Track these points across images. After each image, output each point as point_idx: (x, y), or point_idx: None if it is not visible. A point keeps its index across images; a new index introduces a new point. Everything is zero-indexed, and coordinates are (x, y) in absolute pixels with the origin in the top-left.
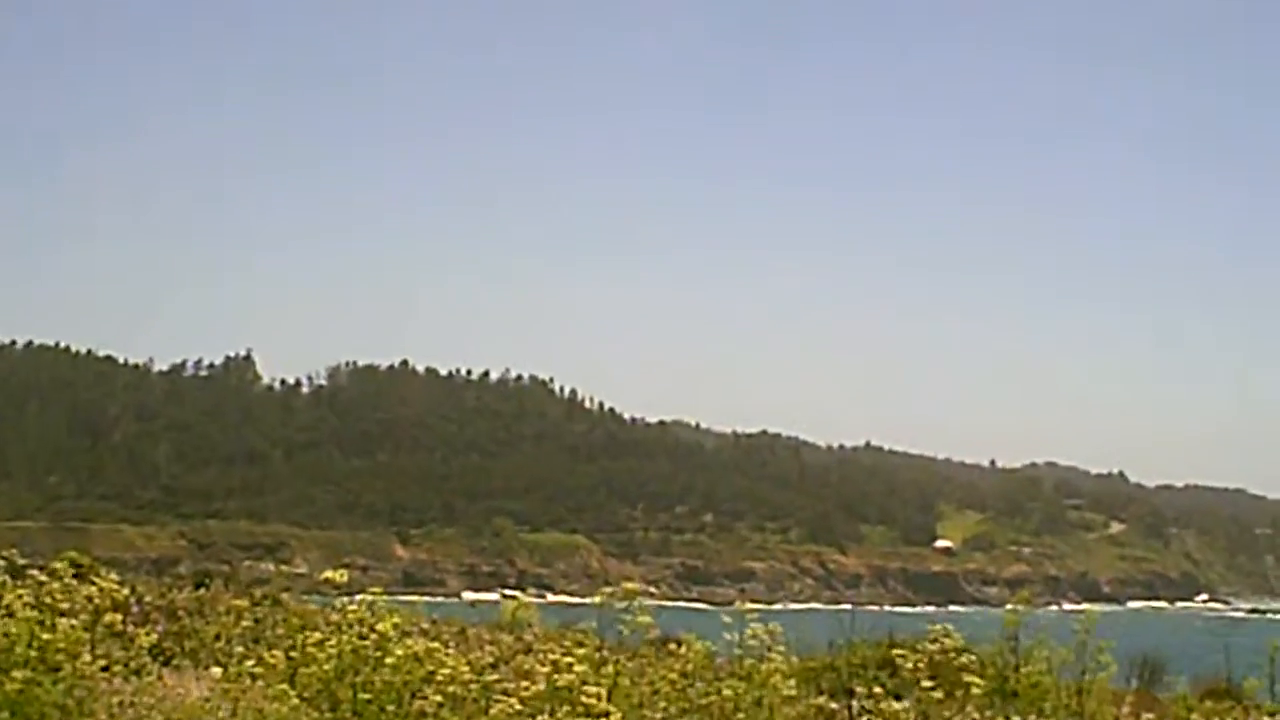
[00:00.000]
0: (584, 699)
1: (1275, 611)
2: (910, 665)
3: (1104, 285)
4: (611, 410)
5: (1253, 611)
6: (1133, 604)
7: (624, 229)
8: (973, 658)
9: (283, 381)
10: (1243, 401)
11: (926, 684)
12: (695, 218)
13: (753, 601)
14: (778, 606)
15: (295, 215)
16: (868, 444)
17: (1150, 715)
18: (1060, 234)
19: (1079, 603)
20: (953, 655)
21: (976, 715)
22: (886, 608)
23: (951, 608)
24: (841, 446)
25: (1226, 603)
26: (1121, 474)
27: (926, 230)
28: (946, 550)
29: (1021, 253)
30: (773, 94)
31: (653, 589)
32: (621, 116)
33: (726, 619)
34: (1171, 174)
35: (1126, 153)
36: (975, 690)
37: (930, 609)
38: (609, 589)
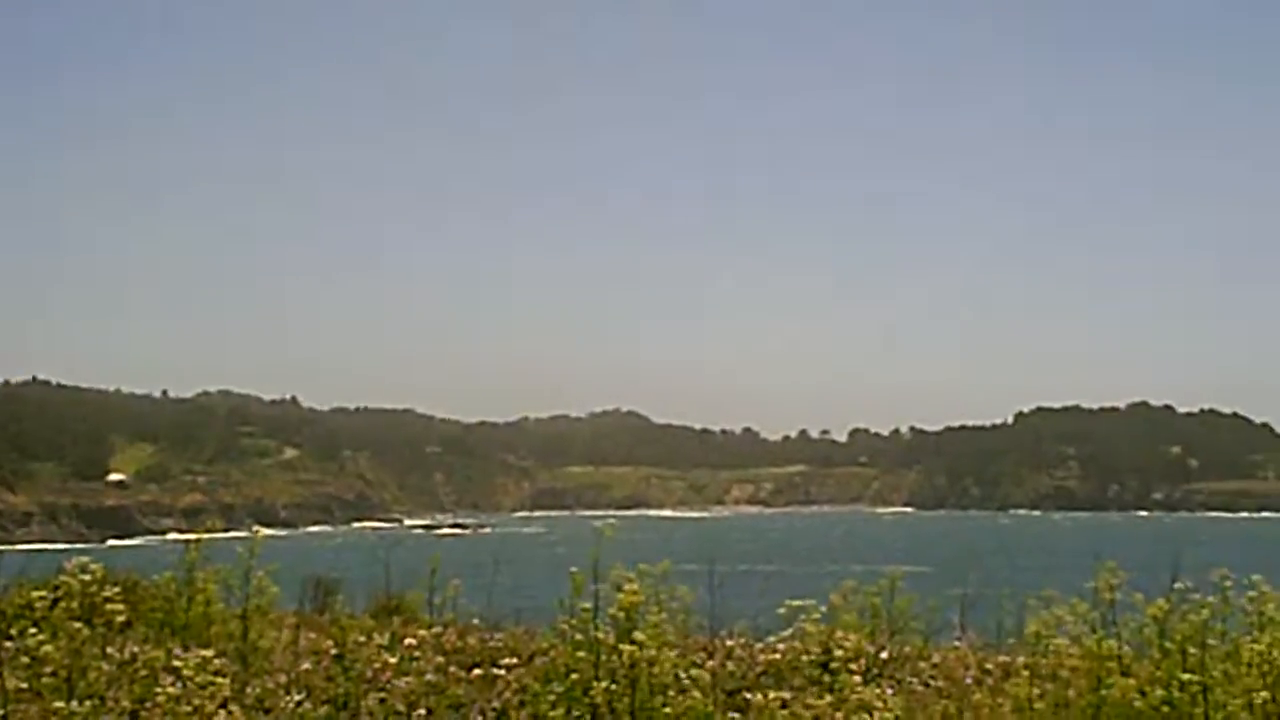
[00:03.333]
0: None
1: (447, 526)
2: (30, 602)
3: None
4: None
5: (426, 527)
6: (310, 528)
7: None
8: (116, 589)
9: None
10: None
11: (72, 623)
12: None
13: None
14: None
15: None
16: (34, 379)
17: (313, 635)
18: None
19: (255, 529)
20: (94, 588)
21: (136, 648)
22: (60, 545)
23: (127, 541)
24: (6, 383)
25: (400, 521)
26: (294, 399)
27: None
28: (119, 483)
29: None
30: None
31: None
32: None
33: None
34: None
35: None
36: (119, 619)
37: (104, 544)
38: None
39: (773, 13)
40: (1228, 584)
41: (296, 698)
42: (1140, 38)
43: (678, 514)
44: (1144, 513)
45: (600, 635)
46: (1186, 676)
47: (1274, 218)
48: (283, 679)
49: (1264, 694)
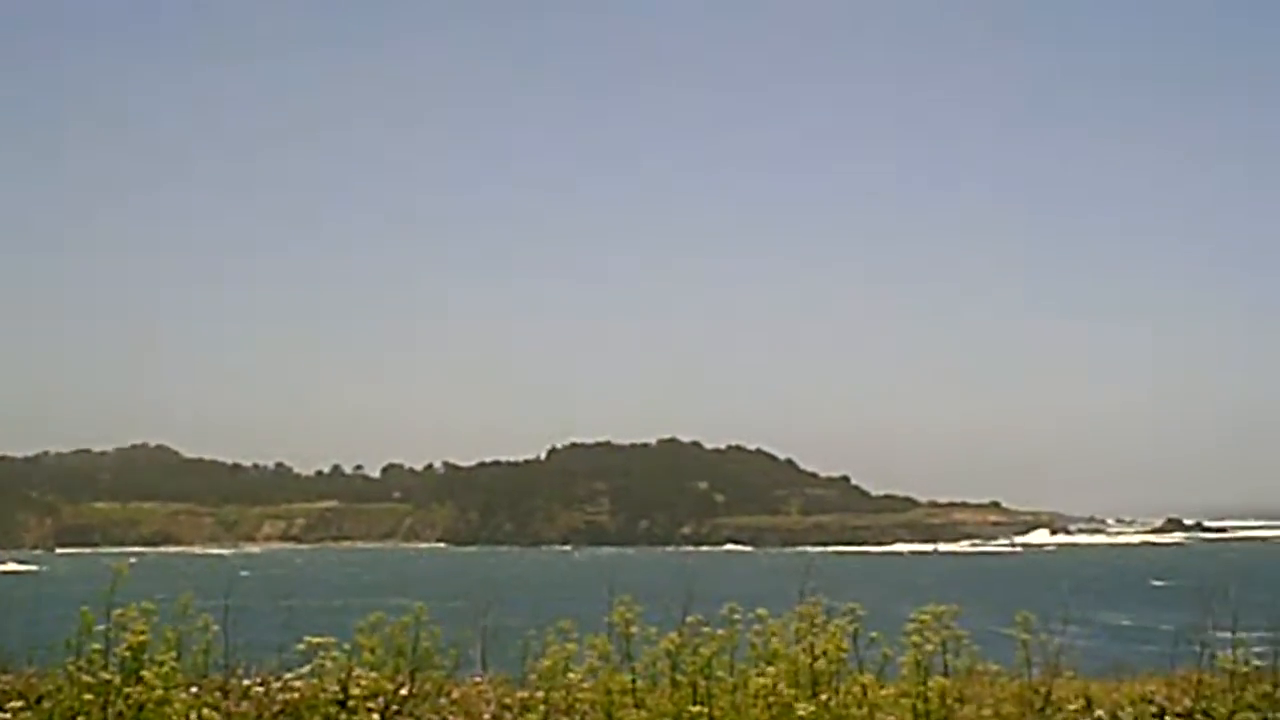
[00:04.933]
0: None
1: None
2: None
3: None
4: None
5: None
6: None
7: None
8: None
9: None
10: None
11: None
12: None
13: None
14: None
15: None
16: None
17: None
18: None
19: None
20: None
21: None
22: None
23: None
24: None
25: None
26: None
27: None
28: None
29: None
30: None
31: None
32: None
33: None
34: None
35: None
36: None
37: None
38: None
39: None
40: (736, 618)
41: None
42: None
43: (206, 550)
44: (671, 547)
45: (108, 676)
46: (695, 709)
47: (814, 259)
48: None
49: None
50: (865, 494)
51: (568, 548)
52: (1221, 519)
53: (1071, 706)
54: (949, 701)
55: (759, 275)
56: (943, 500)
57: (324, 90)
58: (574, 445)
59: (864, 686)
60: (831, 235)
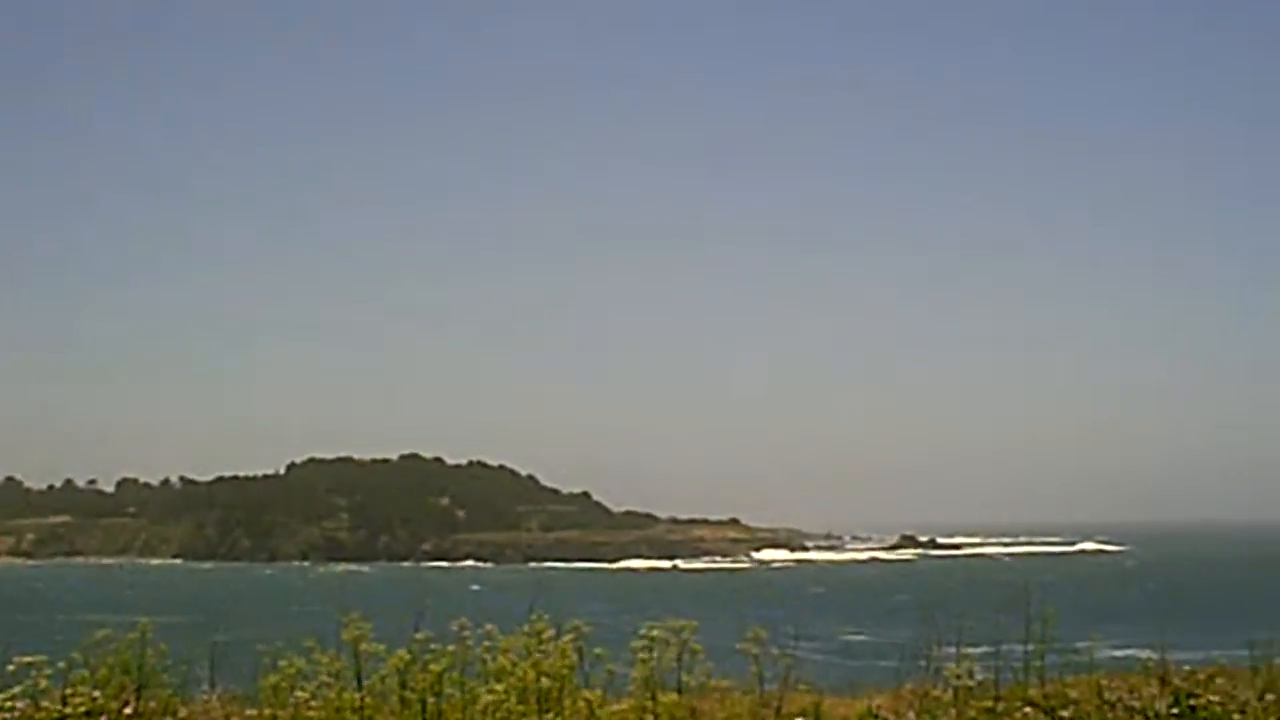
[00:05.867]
0: None
1: None
2: None
3: None
4: None
5: None
6: None
7: None
8: None
9: None
10: None
11: None
12: None
13: None
14: None
15: None
16: None
17: None
18: None
19: None
20: None
21: None
22: None
23: None
24: None
25: None
26: None
27: None
28: None
29: None
30: None
31: None
32: None
33: None
34: None
35: None
36: None
37: None
38: None
39: None
40: (466, 634)
41: None
42: None
43: None
44: (411, 563)
45: None
46: None
47: (556, 271)
48: None
49: None
50: (606, 510)
51: (306, 563)
52: (954, 536)
53: None
54: (679, 717)
55: (500, 289)
56: (683, 517)
57: None
58: (313, 460)
59: (589, 702)
60: (573, 246)
